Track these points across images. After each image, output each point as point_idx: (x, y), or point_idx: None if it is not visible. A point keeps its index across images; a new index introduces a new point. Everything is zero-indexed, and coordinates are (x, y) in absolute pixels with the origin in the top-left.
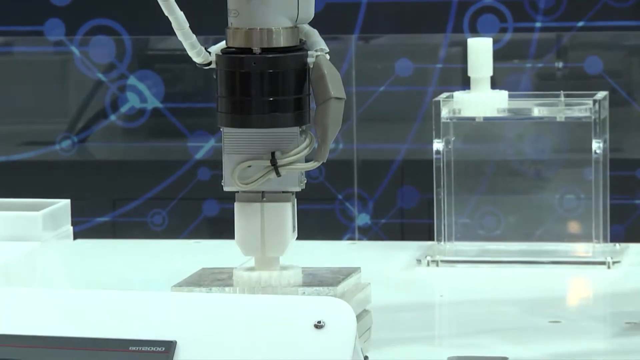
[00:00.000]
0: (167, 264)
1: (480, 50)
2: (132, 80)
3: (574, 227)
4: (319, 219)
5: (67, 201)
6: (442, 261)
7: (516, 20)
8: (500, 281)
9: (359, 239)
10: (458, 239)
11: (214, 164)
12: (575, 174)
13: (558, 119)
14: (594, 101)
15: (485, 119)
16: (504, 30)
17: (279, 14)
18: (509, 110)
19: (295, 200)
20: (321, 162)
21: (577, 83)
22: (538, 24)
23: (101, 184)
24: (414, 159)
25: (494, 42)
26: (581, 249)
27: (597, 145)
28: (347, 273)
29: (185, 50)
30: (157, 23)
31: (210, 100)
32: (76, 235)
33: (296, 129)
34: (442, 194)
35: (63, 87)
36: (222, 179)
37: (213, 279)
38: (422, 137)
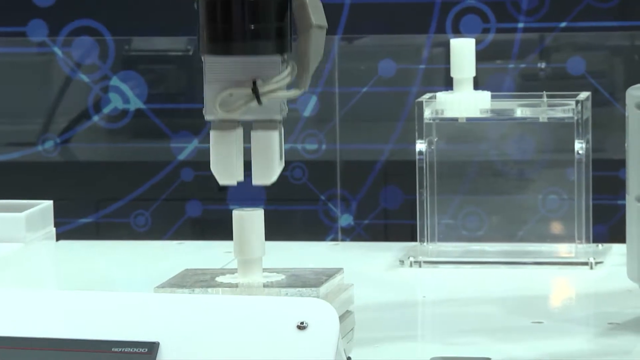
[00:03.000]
0: (151, 264)
1: (463, 51)
2: (115, 81)
3: (556, 227)
4: (302, 219)
5: (50, 202)
6: (425, 262)
7: (499, 21)
8: (483, 282)
9: (342, 240)
10: (441, 239)
11: (198, 164)
12: (558, 174)
13: (541, 120)
14: (577, 102)
15: (468, 119)
16: (486, 30)
17: None
18: (492, 111)
19: (282, 129)
20: (303, 91)
21: (560, 83)
22: (521, 25)
23: (84, 185)
24: (397, 159)
25: (477, 43)
26: (564, 249)
27: (579, 146)
28: (330, 274)
29: (169, 51)
30: (140, 24)
31: (194, 101)
32: (59, 237)
33: (278, 57)
34: (425, 194)
35: (46, 88)
36: (203, 108)
37: (196, 280)
38: (405, 137)
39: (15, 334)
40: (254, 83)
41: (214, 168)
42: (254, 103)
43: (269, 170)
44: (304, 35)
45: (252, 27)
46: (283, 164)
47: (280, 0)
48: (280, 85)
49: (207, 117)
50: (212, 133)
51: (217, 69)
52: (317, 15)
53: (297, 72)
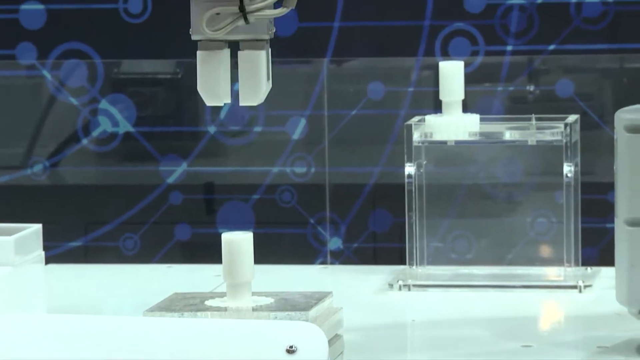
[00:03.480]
0: (140, 288)
1: (452, 74)
2: (103, 104)
3: (545, 250)
4: (291, 243)
5: (39, 226)
6: (414, 285)
7: (487, 44)
8: (473, 305)
9: (331, 263)
10: (430, 262)
11: (186, 188)
12: (547, 197)
13: (530, 143)
14: (565, 124)
15: (457, 142)
16: (475, 53)
17: None
18: (481, 134)
19: (270, 49)
20: (290, 9)
21: (549, 106)
22: (509, 48)
23: (73, 208)
24: (386, 182)
25: (466, 66)
26: (553, 272)
27: (568, 169)
28: (319, 297)
29: (158, 74)
30: (128, 47)
31: (183, 124)
32: (48, 260)
33: None
34: (414, 217)
35: (35, 111)
36: (190, 28)
37: (185, 303)
38: (394, 160)
39: (4, 357)
40: (241, 1)
41: (200, 89)
42: (241, 22)
43: (256, 90)
44: None
45: None
46: (270, 86)
47: None
48: (267, 4)
49: (194, 37)
50: (199, 53)
51: None
52: None
53: None
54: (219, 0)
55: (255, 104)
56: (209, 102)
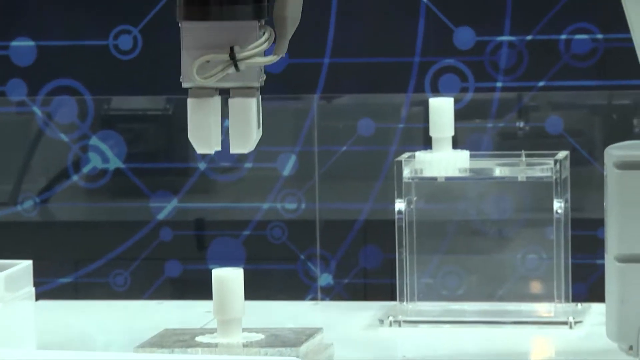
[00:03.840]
0: (130, 324)
1: (442, 110)
2: (94, 140)
3: (535, 286)
4: (282, 279)
5: (29, 262)
6: (405, 321)
7: (477, 80)
8: (463, 341)
9: (322, 299)
10: (420, 299)
11: (176, 224)
12: (537, 233)
13: (519, 179)
14: (555, 161)
15: (447, 178)
16: (465, 90)
17: None
18: (471, 170)
19: (260, 96)
20: (280, 56)
21: (538, 142)
22: (499, 84)
23: (63, 244)
24: (376, 218)
25: (455, 102)
26: (543, 308)
27: (558, 205)
28: (309, 333)
29: (148, 110)
30: (119, 83)
31: (173, 161)
32: (38, 296)
33: (255, 23)
34: (404, 253)
35: (25, 147)
36: (180, 76)
37: (175, 340)
38: (384, 196)
39: None
40: (232, 49)
41: (191, 136)
42: (232, 69)
43: (246, 138)
44: (281, 0)
45: None
46: (261, 133)
47: None
48: (258, 51)
49: (185, 84)
50: (189, 101)
51: (194, 35)
52: None
53: (274, 37)
54: (210, 47)
55: (245, 151)
56: (200, 150)
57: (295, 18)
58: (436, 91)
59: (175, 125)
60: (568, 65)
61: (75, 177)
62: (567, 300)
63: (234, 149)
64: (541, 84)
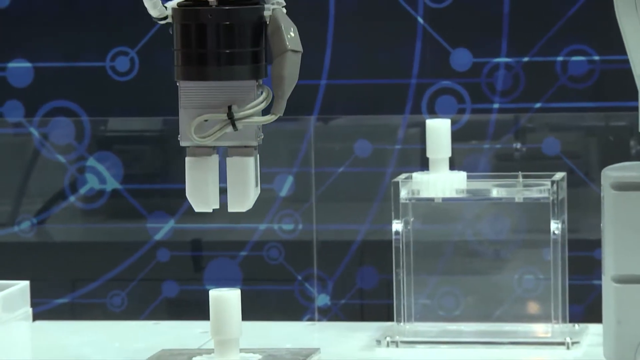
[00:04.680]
0: (127, 345)
1: (439, 131)
2: (91, 161)
3: (533, 307)
4: (279, 299)
5: (26, 283)
6: (402, 342)
7: (474, 102)
8: None
9: (319, 320)
10: (417, 319)
11: (173, 245)
12: (534, 254)
13: (516, 200)
14: (552, 182)
15: (444, 199)
16: (462, 111)
17: None
18: (468, 191)
19: (258, 155)
20: (278, 116)
21: (535, 164)
22: (496, 105)
23: (60, 265)
24: (374, 239)
25: (452, 123)
26: (540, 329)
27: (555, 226)
28: (307, 354)
29: (145, 131)
30: (116, 104)
31: (170, 182)
32: (35, 317)
33: (253, 83)
34: (401, 274)
35: (21, 168)
36: (178, 135)
37: None
38: (382, 217)
39: None
40: (229, 108)
41: (189, 195)
42: (230, 129)
43: (244, 197)
44: (279, 60)
45: (227, 52)
46: (259, 191)
47: (255, 25)
48: (255, 111)
49: (183, 143)
50: (187, 160)
51: (192, 95)
52: (292, 40)
53: (272, 97)
54: (208, 107)
55: (244, 210)
56: (198, 208)
57: (293, 78)
58: (433, 112)
59: (172, 146)
60: (565, 87)
61: (72, 198)
62: (564, 320)
63: (232, 208)
64: (538, 105)
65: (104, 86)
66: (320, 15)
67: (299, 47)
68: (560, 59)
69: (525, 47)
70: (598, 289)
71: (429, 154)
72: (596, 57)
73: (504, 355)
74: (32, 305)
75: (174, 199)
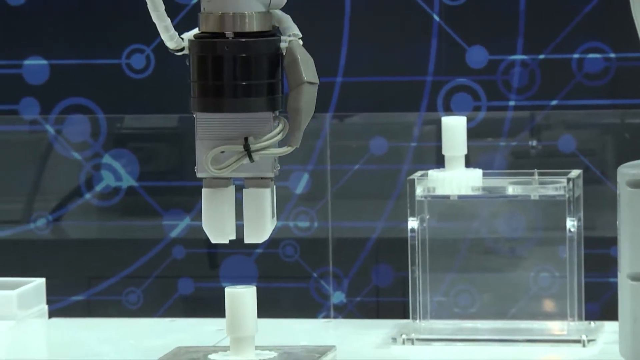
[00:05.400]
0: (142, 342)
1: (455, 129)
2: (106, 158)
3: (548, 305)
4: (294, 297)
5: (42, 280)
6: (418, 339)
7: (490, 99)
8: (476, 359)
9: (334, 317)
10: (433, 317)
11: (189, 242)
12: (550, 252)
13: (532, 197)
14: (568, 179)
15: (460, 197)
16: (477, 108)
17: None
18: (483, 189)
19: (274, 186)
20: (294, 147)
21: (551, 161)
22: (512, 103)
23: (76, 262)
24: (389, 237)
25: (468, 121)
26: (556, 327)
27: (571, 224)
28: (322, 351)
29: (160, 129)
30: (131, 102)
31: (185, 179)
32: (51, 314)
33: (269, 114)
34: (417, 272)
35: (38, 165)
36: (194, 167)
37: (188, 357)
38: (397, 215)
39: None
40: (246, 140)
41: (205, 226)
42: (246, 160)
43: (261, 228)
44: (295, 91)
45: (244, 84)
46: (275, 222)
47: (272, 56)
48: (272, 143)
49: (199, 175)
50: (204, 191)
51: (208, 126)
52: (308, 72)
53: (288, 128)
54: (224, 138)
55: (260, 241)
56: (214, 240)
57: (309, 110)
58: (449, 110)
59: (187, 143)
60: (581, 84)
61: (88, 196)
62: (580, 318)
63: (248, 239)
64: (554, 102)
65: (119, 84)
66: (336, 12)
67: (316, 79)
68: (576, 56)
69: (541, 45)
70: (614, 287)
71: (444, 152)
72: (612, 55)
73: (520, 353)
74: (48, 302)
75: (189, 196)
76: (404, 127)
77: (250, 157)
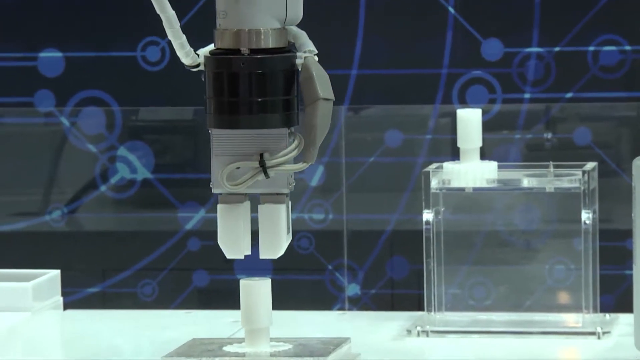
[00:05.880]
0: (158, 334)
1: (470, 121)
2: (122, 151)
3: (563, 297)
4: (309, 289)
5: (57, 272)
6: (433, 331)
7: (505, 92)
8: (491, 351)
9: (349, 309)
10: (448, 309)
11: (204, 234)
12: (565, 244)
13: (547, 190)
14: (583, 172)
15: (475, 189)
16: (493, 101)
17: (267, 15)
18: (499, 181)
19: (290, 202)
20: (310, 164)
21: (566, 154)
22: (527, 95)
23: (91, 254)
24: (404, 229)
25: (483, 113)
26: (571, 319)
27: (586, 216)
28: (337, 343)
29: (175, 121)
30: (147, 94)
31: (201, 171)
32: (66, 306)
33: (285, 130)
34: (432, 264)
35: (53, 158)
36: (210, 183)
37: (203, 349)
38: (412, 207)
39: None
40: (261, 156)
41: (221, 242)
42: (261, 176)
43: (276, 244)
44: (310, 108)
45: (259, 100)
46: (290, 237)
47: (287, 73)
48: (287, 159)
49: (215, 190)
50: (219, 207)
51: (224, 142)
52: (324, 88)
53: (304, 145)
54: (239, 154)
55: (275, 257)
56: (230, 255)
57: (325, 126)
58: (464, 102)
59: (202, 136)
60: (596, 77)
61: (103, 188)
62: (595, 310)
63: (264, 255)
64: (569, 95)
65: (134, 76)
66: (352, 4)
67: (331, 96)
68: (591, 48)
69: (557, 37)
70: (629, 279)
71: (459, 144)
72: (627, 47)
73: (535, 345)
74: (63, 294)
75: (204, 188)
76: (419, 120)
77: (265, 173)
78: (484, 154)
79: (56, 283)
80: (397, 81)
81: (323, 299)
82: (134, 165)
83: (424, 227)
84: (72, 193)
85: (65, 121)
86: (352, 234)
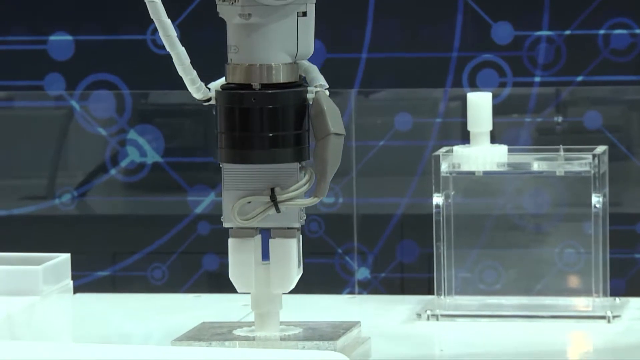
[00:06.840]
0: (167, 318)
1: (480, 105)
2: (132, 134)
3: (573, 281)
4: (319, 273)
5: (67, 255)
6: (442, 315)
7: (515, 75)
8: (501, 335)
9: (359, 293)
10: (458, 293)
11: (214, 218)
12: (575, 228)
13: (557, 174)
14: (594, 156)
15: (485, 173)
16: (503, 84)
17: (278, 50)
18: (509, 165)
19: (301, 236)
20: (321, 198)
21: (577, 137)
22: (537, 79)
23: (101, 238)
24: (414, 213)
25: (493, 97)
26: (581, 303)
27: (596, 200)
28: (347, 327)
29: (185, 105)
30: (156, 78)
31: (210, 155)
32: (76, 289)
33: (296, 165)
34: (442, 248)
35: (63, 141)
36: (221, 217)
37: (213, 333)
38: (422, 191)
39: None
40: (272, 191)
41: (232, 276)
42: (272, 211)
43: (287, 279)
44: (321, 142)
45: (271, 135)
46: (301, 271)
47: (299, 107)
48: (298, 193)
49: (226, 225)
50: (230, 241)
51: (235, 177)
52: (335, 123)
53: (315, 179)
54: (250, 189)
55: (286, 291)
56: (241, 289)
57: (336, 160)
58: (474, 86)
59: (212, 119)
60: (607, 60)
61: (113, 171)
62: (605, 294)
63: (275, 289)
64: (579, 79)
65: (144, 59)
66: None
67: (342, 130)
68: (602, 32)
69: (567, 21)
70: (639, 263)
71: (469, 128)
72: (638, 31)
73: (545, 329)
74: (73, 277)
75: (214, 172)
76: (430, 103)
77: (276, 207)
78: (494, 138)
79: (66, 266)
80: (408, 65)
81: (333, 282)
82: (143, 148)
83: (434, 210)
84: (82, 176)
85: (75, 104)
86: (362, 218)
